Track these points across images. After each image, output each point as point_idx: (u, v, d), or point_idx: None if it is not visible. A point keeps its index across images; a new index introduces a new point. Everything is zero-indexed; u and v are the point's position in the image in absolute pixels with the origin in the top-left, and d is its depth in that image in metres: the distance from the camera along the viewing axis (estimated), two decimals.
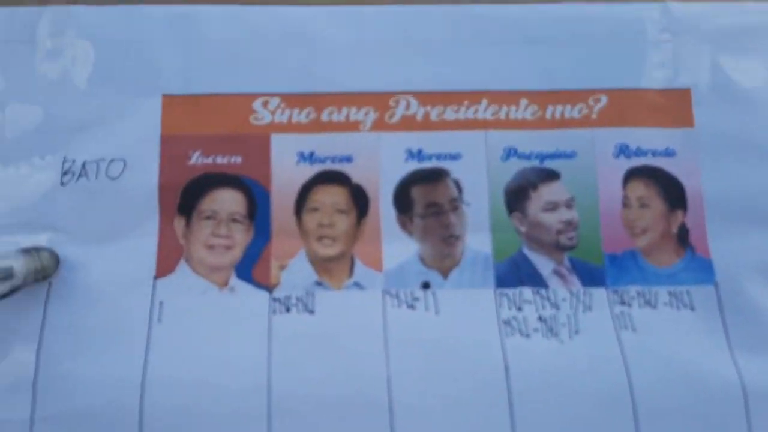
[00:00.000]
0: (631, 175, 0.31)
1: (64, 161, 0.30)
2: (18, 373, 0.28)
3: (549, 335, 0.29)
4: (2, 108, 0.30)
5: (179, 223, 0.30)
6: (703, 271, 0.30)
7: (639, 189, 0.31)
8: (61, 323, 0.28)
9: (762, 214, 0.30)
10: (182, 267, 0.30)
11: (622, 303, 0.30)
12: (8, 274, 0.26)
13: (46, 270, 0.28)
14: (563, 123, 0.31)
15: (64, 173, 0.30)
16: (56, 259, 0.29)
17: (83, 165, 0.30)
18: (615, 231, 0.31)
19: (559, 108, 0.32)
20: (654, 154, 0.31)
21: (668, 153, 0.31)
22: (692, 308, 0.30)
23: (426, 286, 0.30)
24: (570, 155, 0.31)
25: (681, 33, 0.32)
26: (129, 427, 0.27)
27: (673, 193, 0.31)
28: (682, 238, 0.31)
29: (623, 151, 0.31)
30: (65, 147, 0.30)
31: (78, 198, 0.30)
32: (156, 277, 0.29)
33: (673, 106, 0.32)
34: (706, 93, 0.32)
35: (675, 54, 0.32)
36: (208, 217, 0.30)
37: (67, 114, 0.31)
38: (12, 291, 0.27)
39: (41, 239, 0.29)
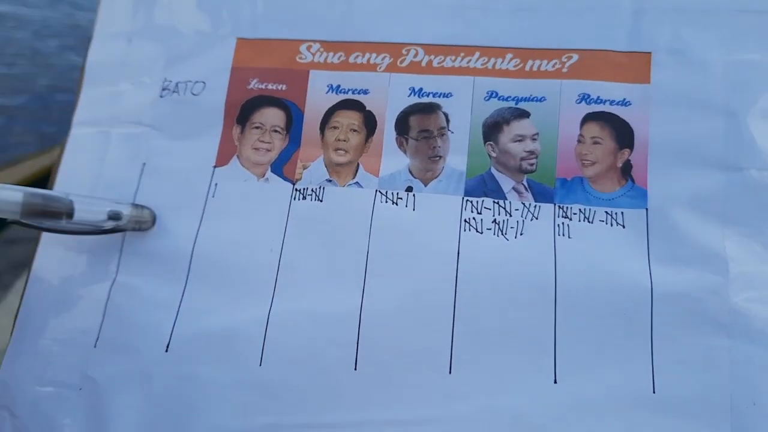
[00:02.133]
0: (588, 118, 0.38)
1: (164, 81, 0.42)
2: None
3: (499, 234, 0.36)
4: (129, 41, 0.43)
5: (236, 130, 0.41)
6: (639, 198, 0.36)
7: (593, 129, 0.37)
8: (151, 191, 0.40)
9: (698, 158, 0.36)
10: (234, 161, 0.40)
11: (565, 216, 0.36)
12: (117, 216, 0.36)
13: (143, 223, 0.38)
14: (538, 74, 0.39)
15: (163, 89, 0.42)
16: (153, 218, 0.39)
17: (176, 84, 0.42)
18: (568, 161, 0.37)
19: (537, 62, 0.39)
20: (611, 103, 0.38)
21: (624, 103, 0.38)
22: (623, 226, 0.36)
23: (409, 189, 0.38)
24: (540, 99, 0.38)
25: (648, 7, 0.39)
26: (181, 268, 0.38)
27: (622, 134, 0.37)
28: (625, 171, 0.37)
29: (584, 98, 0.38)
30: (167, 71, 0.42)
31: (170, 107, 0.42)
32: (215, 166, 0.40)
33: (635, 66, 0.38)
34: (665, 57, 0.38)
35: (642, 24, 0.38)
36: (257, 127, 0.41)
37: (171, 49, 0.43)
38: (115, 230, 0.37)
39: (144, 133, 0.41)
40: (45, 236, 0.40)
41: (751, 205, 0.35)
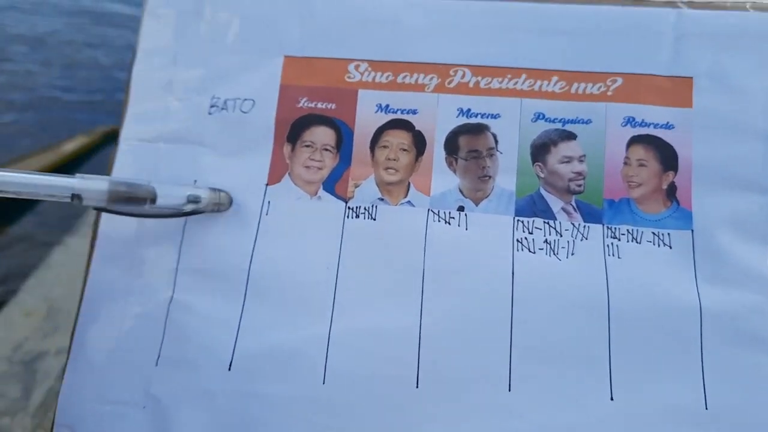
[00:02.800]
0: (634, 140, 0.39)
1: (213, 98, 0.42)
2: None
3: (551, 254, 0.38)
4: (174, 58, 0.43)
5: (287, 148, 0.41)
6: (684, 219, 0.38)
7: (639, 152, 0.39)
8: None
9: (739, 180, 0.38)
10: (286, 179, 0.41)
11: (613, 237, 0.38)
12: (197, 200, 0.38)
13: (221, 205, 0.40)
14: (584, 97, 0.40)
15: (212, 106, 0.42)
16: (230, 200, 0.40)
17: (225, 101, 0.42)
18: (615, 183, 0.39)
19: (583, 85, 0.40)
20: (655, 126, 0.39)
21: (668, 126, 0.39)
22: (670, 247, 0.37)
23: (461, 209, 0.39)
24: (586, 122, 0.40)
25: (690, 33, 0.40)
26: (239, 286, 0.39)
27: (667, 157, 0.39)
28: (670, 193, 0.38)
29: (630, 121, 0.39)
30: (215, 88, 0.43)
31: (219, 124, 0.42)
32: (267, 184, 0.41)
33: (677, 90, 0.39)
34: (706, 82, 0.39)
35: (683, 49, 0.40)
36: (308, 146, 0.41)
37: (218, 66, 0.43)
38: (194, 212, 0.39)
39: (194, 150, 0.41)
40: (96, 255, 0.40)
41: None
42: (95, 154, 3.23)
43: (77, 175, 0.32)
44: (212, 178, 0.41)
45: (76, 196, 0.32)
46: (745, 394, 0.34)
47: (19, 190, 0.30)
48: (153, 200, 0.36)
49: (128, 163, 0.42)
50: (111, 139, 3.36)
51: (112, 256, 0.40)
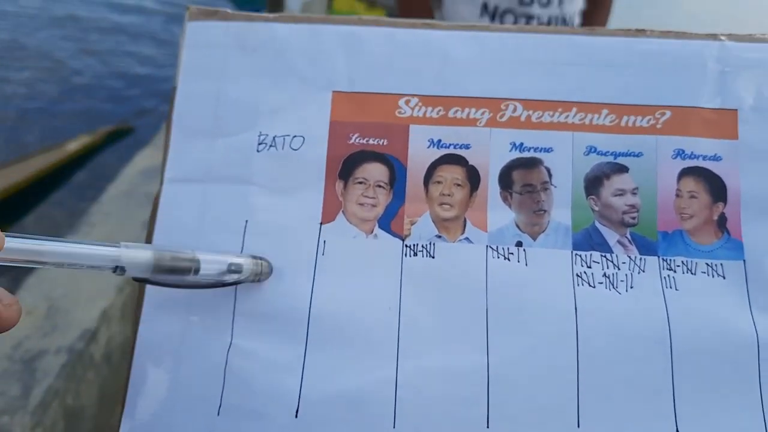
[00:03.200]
0: (684, 173, 0.40)
1: (260, 135, 0.42)
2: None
3: (610, 287, 0.38)
4: (218, 93, 0.42)
5: (339, 186, 0.41)
6: (736, 250, 0.39)
7: (690, 184, 0.40)
8: (258, 250, 0.39)
9: None
10: (340, 217, 0.40)
11: (669, 269, 0.39)
12: (239, 270, 0.37)
13: (262, 275, 0.38)
14: (634, 130, 0.41)
15: (260, 143, 0.41)
16: (270, 269, 0.39)
17: (273, 138, 0.41)
18: (668, 215, 0.40)
19: (632, 118, 0.41)
20: (704, 158, 0.40)
21: (716, 158, 0.40)
22: (724, 277, 0.38)
23: (519, 244, 0.40)
24: (637, 155, 0.40)
25: (733, 65, 0.41)
26: (300, 329, 0.38)
27: (716, 189, 0.40)
28: (721, 224, 0.39)
29: (680, 154, 0.40)
30: (261, 125, 0.42)
31: (269, 161, 0.41)
32: (321, 223, 0.40)
33: (723, 122, 0.40)
34: (750, 114, 0.40)
35: (727, 81, 0.41)
36: (360, 182, 0.41)
37: (265, 102, 0.42)
38: (236, 282, 0.38)
39: (243, 189, 0.41)
40: (148, 300, 0.39)
41: None
42: (98, 153, 3.17)
43: (122, 244, 0.31)
44: (264, 217, 0.40)
45: (119, 268, 0.30)
46: None
47: (61, 261, 0.28)
48: (197, 270, 0.34)
49: (173, 206, 0.41)
50: (113, 138, 3.30)
51: (163, 303, 0.39)
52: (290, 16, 0.43)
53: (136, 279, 0.33)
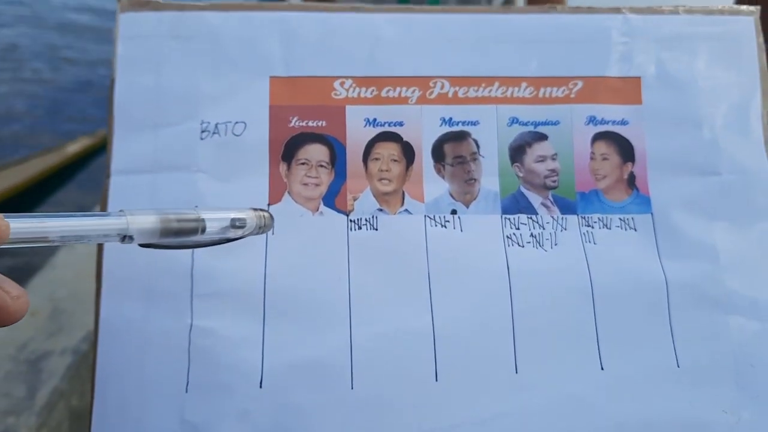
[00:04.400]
0: (597, 137, 0.44)
1: (202, 123, 0.43)
2: None
3: (537, 246, 0.43)
4: (157, 83, 0.43)
5: (283, 168, 0.43)
6: (644, 204, 0.44)
7: (602, 147, 0.44)
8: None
9: (686, 166, 0.44)
10: (286, 198, 0.43)
11: (588, 225, 0.43)
12: (243, 224, 0.36)
13: (265, 227, 0.38)
14: (551, 100, 0.44)
15: (203, 131, 0.43)
16: (272, 219, 0.38)
17: (216, 125, 0.43)
18: (584, 176, 0.44)
19: (549, 89, 0.44)
20: (613, 123, 0.44)
21: (623, 123, 0.44)
22: (635, 230, 0.43)
23: (454, 212, 0.43)
24: (555, 123, 0.44)
25: (636, 36, 0.45)
26: (257, 306, 0.41)
27: (625, 150, 0.44)
28: (631, 182, 0.44)
29: (592, 120, 0.44)
30: (203, 113, 0.43)
31: (213, 148, 0.43)
32: (269, 204, 0.42)
33: (628, 89, 0.45)
34: (652, 81, 0.45)
35: (631, 52, 0.45)
36: (303, 163, 0.43)
37: (204, 90, 0.43)
38: (241, 237, 0.37)
39: (191, 177, 0.42)
40: (105, 290, 0.41)
41: (729, 202, 0.43)
42: (99, 155, 3.02)
43: (123, 212, 0.30)
44: (213, 203, 0.42)
45: (127, 237, 0.30)
46: (707, 349, 0.41)
47: (68, 235, 0.27)
48: (203, 230, 0.34)
49: (122, 198, 0.42)
50: None
51: (121, 291, 0.41)
52: (222, 4, 0.44)
53: (142, 245, 0.32)
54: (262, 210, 0.37)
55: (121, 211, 0.30)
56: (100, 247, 0.41)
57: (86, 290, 1.10)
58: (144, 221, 0.31)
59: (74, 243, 0.28)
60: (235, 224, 0.36)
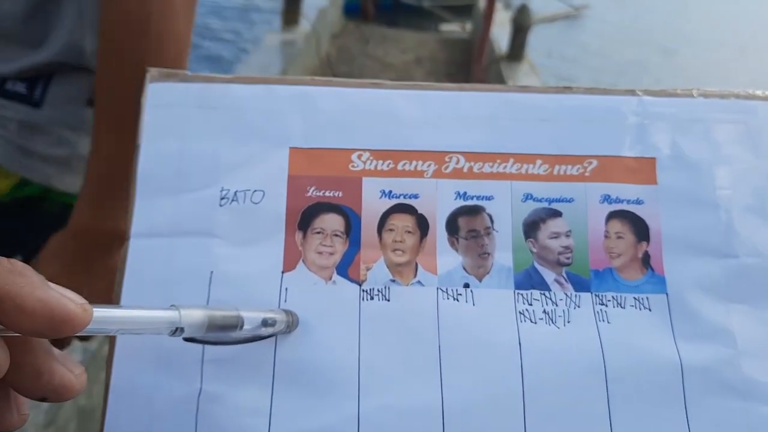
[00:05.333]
0: (611, 216, 0.44)
1: (222, 190, 0.44)
2: None
3: (550, 323, 0.42)
4: (181, 155, 0.45)
5: (298, 236, 0.44)
6: (659, 284, 0.43)
7: (616, 226, 0.44)
8: (223, 299, 0.42)
9: (702, 247, 0.43)
10: (300, 266, 0.43)
11: (601, 303, 0.43)
12: (274, 323, 0.39)
13: (292, 326, 0.41)
14: (566, 178, 0.45)
15: (222, 198, 0.44)
16: (298, 320, 0.41)
17: (235, 193, 0.44)
18: (598, 254, 0.44)
19: (563, 167, 0.45)
20: (628, 202, 0.45)
21: (638, 202, 0.45)
22: (650, 309, 0.43)
23: (467, 285, 0.43)
24: (569, 200, 0.45)
25: (650, 118, 0.46)
26: (266, 373, 0.41)
27: (640, 229, 0.44)
28: (645, 261, 0.44)
29: (606, 199, 0.45)
30: (223, 180, 0.44)
31: (231, 215, 0.44)
32: (283, 272, 0.43)
33: (643, 169, 0.45)
34: (667, 161, 0.45)
35: (645, 133, 0.46)
36: (318, 232, 0.44)
37: (226, 158, 0.45)
38: (271, 335, 0.40)
39: (208, 242, 0.43)
40: (119, 349, 0.41)
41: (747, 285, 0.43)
42: None
43: (177, 307, 0.31)
44: (228, 268, 0.42)
45: (179, 330, 0.31)
46: None
47: (125, 328, 0.29)
48: (241, 326, 0.36)
49: (140, 260, 0.43)
50: None
51: (133, 352, 0.41)
52: (247, 78, 0.46)
53: (186, 339, 0.35)
54: (290, 312, 0.40)
55: (172, 306, 0.32)
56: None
57: None
58: (194, 315, 0.33)
59: (128, 333, 0.30)
60: (267, 322, 0.38)
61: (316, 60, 4.51)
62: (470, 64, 4.91)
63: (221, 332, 0.36)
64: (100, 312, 0.27)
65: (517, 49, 4.81)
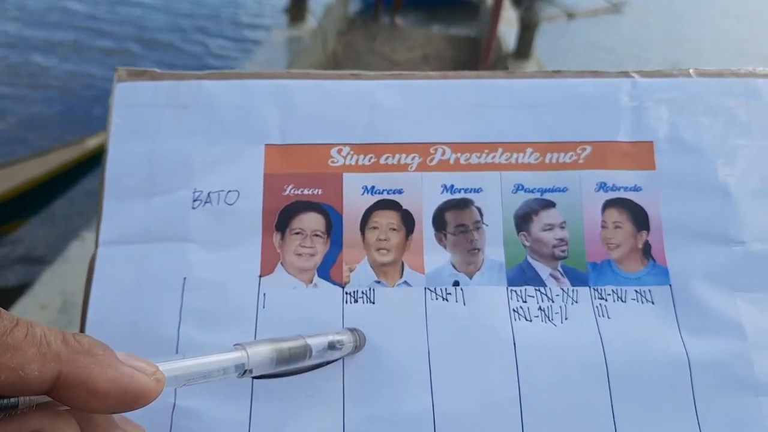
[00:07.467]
0: (608, 204, 0.42)
1: (194, 191, 0.42)
2: None
3: (546, 320, 0.40)
4: (150, 152, 0.42)
5: (276, 237, 0.41)
6: (661, 275, 0.41)
7: (614, 215, 0.42)
8: (197, 306, 0.39)
9: (705, 234, 0.41)
10: (279, 269, 0.41)
11: (600, 298, 0.40)
12: (341, 346, 0.36)
13: (360, 346, 0.38)
14: (558, 166, 0.42)
15: (195, 200, 0.42)
16: (365, 338, 0.38)
17: (208, 194, 0.42)
18: (595, 246, 0.41)
19: (555, 155, 0.42)
20: (625, 189, 0.42)
21: (636, 189, 0.42)
22: (653, 302, 0.40)
23: (456, 284, 0.40)
24: (563, 190, 0.42)
25: (645, 100, 0.43)
26: (244, 387, 0.38)
27: (639, 218, 0.42)
28: (646, 251, 0.41)
29: (602, 187, 0.42)
30: (196, 181, 0.42)
31: (204, 218, 0.41)
32: (260, 276, 0.41)
33: (640, 154, 0.43)
34: (665, 145, 0.43)
35: (641, 115, 0.43)
36: (297, 233, 0.41)
37: (198, 158, 0.42)
38: (340, 358, 0.38)
39: (180, 247, 0.41)
40: None
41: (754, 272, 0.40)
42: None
43: (239, 345, 0.30)
44: (202, 274, 0.40)
45: (247, 371, 0.30)
46: None
47: (194, 377, 0.27)
48: (310, 354, 0.34)
49: (109, 269, 0.40)
50: None
51: None
52: (219, 73, 0.44)
53: (255, 377, 0.34)
54: (356, 330, 0.38)
55: (237, 345, 0.30)
56: (84, 315, 0.39)
57: None
58: (260, 352, 0.31)
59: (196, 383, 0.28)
60: (334, 346, 0.36)
61: (323, 57, 4.48)
62: (477, 62, 4.87)
63: (290, 364, 0.33)
64: (171, 372, 0.25)
65: (524, 47, 4.77)
